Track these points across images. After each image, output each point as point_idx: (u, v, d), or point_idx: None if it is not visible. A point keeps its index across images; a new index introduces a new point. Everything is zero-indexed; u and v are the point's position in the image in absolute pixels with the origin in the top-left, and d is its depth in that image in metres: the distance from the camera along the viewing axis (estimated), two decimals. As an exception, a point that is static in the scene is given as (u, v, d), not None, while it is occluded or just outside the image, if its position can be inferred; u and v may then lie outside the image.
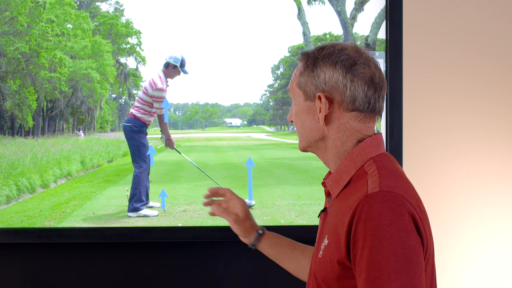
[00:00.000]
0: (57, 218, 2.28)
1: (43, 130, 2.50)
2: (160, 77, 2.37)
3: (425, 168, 2.36)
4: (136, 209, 2.35)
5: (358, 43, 2.29)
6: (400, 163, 2.18)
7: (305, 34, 2.29)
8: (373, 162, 1.21)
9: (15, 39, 2.33)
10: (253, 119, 2.58)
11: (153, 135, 2.48)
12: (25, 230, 2.23)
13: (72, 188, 2.42)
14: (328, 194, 1.31)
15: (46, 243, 2.25)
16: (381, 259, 1.04)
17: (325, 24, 2.29)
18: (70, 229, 2.24)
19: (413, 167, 2.28)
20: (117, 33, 2.41)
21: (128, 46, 2.43)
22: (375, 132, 1.27)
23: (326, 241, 1.20)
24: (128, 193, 2.36)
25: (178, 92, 2.39)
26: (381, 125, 2.24)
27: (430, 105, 2.38)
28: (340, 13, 2.28)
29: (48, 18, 2.35)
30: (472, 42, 2.38)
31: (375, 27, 2.28)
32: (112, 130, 2.57)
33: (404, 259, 1.04)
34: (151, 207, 2.37)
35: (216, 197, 1.58)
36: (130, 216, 2.33)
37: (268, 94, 2.47)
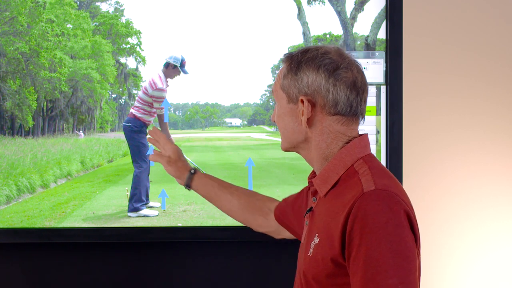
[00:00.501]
0: (57, 218, 2.28)
1: (43, 130, 2.50)
2: (160, 77, 2.37)
3: (425, 168, 2.36)
4: (136, 209, 2.35)
5: (358, 43, 2.29)
6: (400, 163, 2.18)
7: (305, 34, 2.29)
8: (363, 161, 1.23)
9: (15, 39, 2.33)
10: (253, 119, 2.58)
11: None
12: (25, 230, 2.23)
13: (72, 188, 2.42)
14: (314, 193, 1.32)
15: (46, 243, 2.25)
16: (378, 256, 1.05)
17: (325, 24, 2.29)
18: (70, 229, 2.24)
19: (413, 167, 2.28)
20: (117, 33, 2.41)
21: (128, 46, 2.43)
22: (359, 133, 1.28)
23: (316, 240, 1.21)
24: (128, 193, 2.36)
25: (178, 92, 2.39)
26: (381, 125, 2.24)
27: (430, 105, 2.38)
28: (340, 13, 2.28)
29: (48, 18, 2.35)
30: (472, 42, 2.38)
31: (375, 27, 2.27)
32: (112, 130, 2.56)
33: (400, 256, 1.06)
34: (151, 207, 2.37)
35: (154, 144, 1.73)
36: (130, 216, 2.33)
37: (268, 94, 2.47)
